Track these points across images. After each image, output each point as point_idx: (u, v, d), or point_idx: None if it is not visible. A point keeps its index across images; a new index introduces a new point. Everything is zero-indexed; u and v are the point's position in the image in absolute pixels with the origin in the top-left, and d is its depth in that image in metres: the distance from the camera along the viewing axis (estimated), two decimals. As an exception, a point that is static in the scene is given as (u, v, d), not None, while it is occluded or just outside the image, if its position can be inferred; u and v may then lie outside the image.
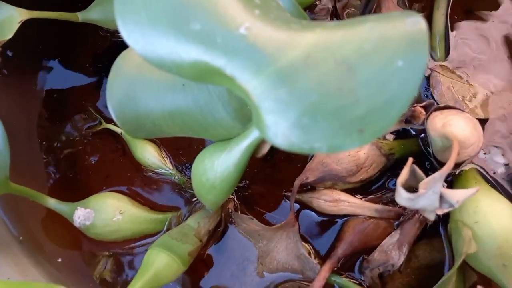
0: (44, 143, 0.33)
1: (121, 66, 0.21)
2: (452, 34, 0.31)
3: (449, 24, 0.31)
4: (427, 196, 0.21)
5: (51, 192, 0.32)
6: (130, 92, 0.21)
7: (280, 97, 0.14)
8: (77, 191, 0.31)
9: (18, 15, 0.28)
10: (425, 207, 0.21)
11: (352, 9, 0.33)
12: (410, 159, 0.22)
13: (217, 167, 0.22)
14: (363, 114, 0.14)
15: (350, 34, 0.14)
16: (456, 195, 0.21)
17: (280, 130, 0.14)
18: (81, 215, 0.27)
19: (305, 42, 0.14)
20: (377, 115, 0.13)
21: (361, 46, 0.14)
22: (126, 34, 0.15)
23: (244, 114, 0.21)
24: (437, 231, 0.28)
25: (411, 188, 0.23)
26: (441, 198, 0.22)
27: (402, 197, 0.21)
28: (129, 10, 0.15)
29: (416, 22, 0.14)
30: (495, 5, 0.32)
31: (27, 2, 0.29)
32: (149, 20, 0.15)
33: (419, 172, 0.22)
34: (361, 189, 0.28)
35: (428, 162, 0.28)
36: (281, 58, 0.14)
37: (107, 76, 0.35)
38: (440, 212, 0.22)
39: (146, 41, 0.15)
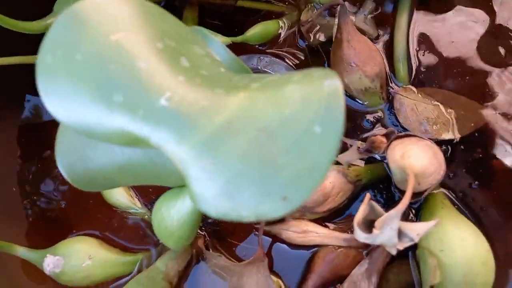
0: (19, 183, 0.33)
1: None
2: (414, 54, 0.31)
3: (410, 45, 0.31)
4: (385, 233, 0.21)
5: (27, 236, 0.32)
6: (79, 150, 0.21)
7: (204, 166, 0.14)
8: (49, 234, 0.31)
9: None
10: (385, 243, 0.21)
11: (319, 33, 0.32)
12: (368, 196, 0.22)
13: (173, 215, 0.22)
14: (286, 181, 0.13)
15: (271, 98, 0.14)
16: (415, 229, 0.21)
17: (207, 198, 0.14)
18: (50, 262, 0.27)
19: (227, 109, 0.14)
20: (298, 182, 0.13)
21: (281, 112, 0.14)
22: (50, 107, 0.15)
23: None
24: (405, 254, 0.27)
25: (372, 222, 0.23)
26: (401, 232, 0.21)
27: (360, 236, 0.21)
28: (51, 84, 0.15)
29: (332, 86, 0.13)
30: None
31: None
32: (72, 93, 0.15)
33: (378, 208, 0.22)
34: (330, 218, 0.28)
35: (393, 187, 0.28)
36: (203, 127, 0.14)
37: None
38: (400, 247, 0.21)
39: (71, 114, 0.15)
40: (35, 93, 0.35)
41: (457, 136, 0.29)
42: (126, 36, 0.15)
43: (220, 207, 0.14)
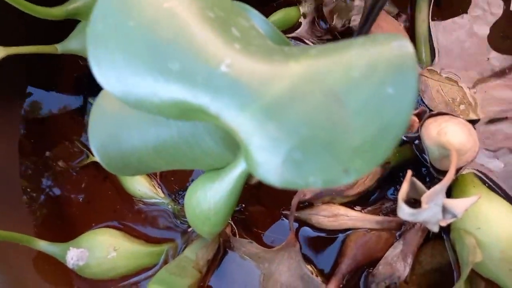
0: (26, 180, 0.32)
1: (101, 106, 0.20)
2: (435, 36, 0.31)
3: (431, 27, 0.31)
4: (430, 210, 0.20)
5: (38, 234, 0.31)
6: (112, 132, 0.20)
7: (268, 133, 0.14)
8: (65, 230, 0.30)
9: None
10: (428, 219, 0.21)
11: (341, 16, 0.32)
12: (409, 172, 0.21)
13: (210, 198, 0.21)
14: (357, 145, 0.13)
15: (335, 62, 0.14)
16: (458, 205, 0.21)
17: (272, 167, 0.14)
18: (74, 255, 0.26)
19: (289, 74, 0.14)
20: (371, 145, 0.13)
21: (348, 74, 0.13)
22: (101, 78, 0.15)
23: (232, 142, 0.21)
24: (437, 235, 0.27)
25: (412, 200, 0.22)
26: (444, 209, 0.21)
27: (405, 212, 0.20)
28: (103, 53, 0.15)
29: (402, 46, 0.13)
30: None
31: (3, 37, 0.28)
32: (125, 62, 0.15)
33: (419, 184, 0.21)
34: (360, 202, 0.28)
35: (425, 168, 0.28)
36: (266, 93, 0.14)
37: (89, 105, 0.34)
38: (443, 224, 0.21)
39: (123, 84, 0.15)
40: (36, 85, 0.34)
41: (482, 116, 0.29)
42: (178, 4, 0.15)
43: (286, 175, 0.14)
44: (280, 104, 0.14)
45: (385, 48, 0.13)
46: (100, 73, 0.15)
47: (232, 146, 0.21)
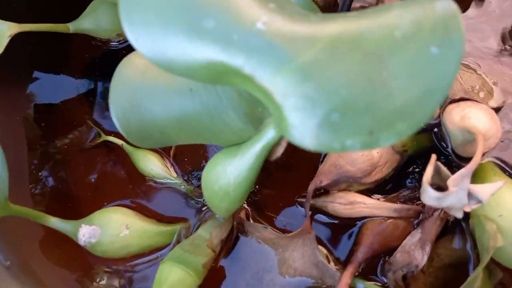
0: (34, 161, 0.32)
1: (123, 74, 0.20)
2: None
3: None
4: (456, 194, 0.20)
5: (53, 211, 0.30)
6: (134, 101, 0.20)
7: (305, 93, 0.13)
8: (75, 212, 0.29)
9: (7, 29, 0.27)
10: (453, 205, 0.20)
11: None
12: (433, 156, 0.21)
13: (230, 174, 0.21)
14: (398, 107, 0.13)
15: (376, 22, 0.13)
16: (483, 190, 0.20)
17: (307, 129, 0.13)
18: (86, 232, 0.26)
19: (329, 34, 0.13)
20: (414, 107, 0.12)
21: (390, 34, 0.13)
22: (132, 36, 0.14)
23: (255, 117, 0.20)
24: (456, 227, 0.27)
25: (434, 186, 0.22)
26: (468, 194, 0.21)
27: (430, 196, 0.20)
28: (135, 10, 0.14)
29: (447, 6, 0.13)
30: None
31: (14, 14, 0.28)
32: (158, 20, 0.14)
33: (444, 169, 0.21)
34: (377, 190, 0.27)
35: (443, 157, 0.27)
36: (303, 53, 0.13)
37: (100, 86, 0.34)
38: (468, 209, 0.21)
39: (155, 44, 0.14)
40: (42, 69, 0.34)
41: (502, 104, 0.28)
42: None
43: (322, 138, 0.13)
44: (318, 64, 0.13)
45: (429, 8, 0.13)
46: (130, 31, 0.14)
47: (255, 121, 0.21)
